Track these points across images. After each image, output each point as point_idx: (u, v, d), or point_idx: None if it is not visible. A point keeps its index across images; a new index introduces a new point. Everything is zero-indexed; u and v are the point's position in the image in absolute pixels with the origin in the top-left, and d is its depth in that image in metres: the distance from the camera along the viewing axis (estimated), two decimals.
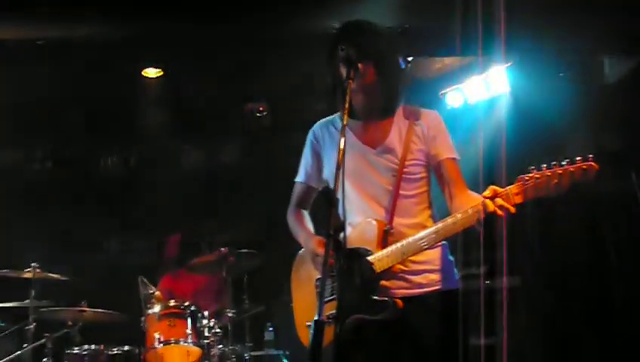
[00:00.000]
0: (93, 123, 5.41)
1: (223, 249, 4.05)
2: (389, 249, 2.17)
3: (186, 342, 3.89)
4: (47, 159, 5.66)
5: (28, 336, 4.00)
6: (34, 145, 5.69)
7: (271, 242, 4.48)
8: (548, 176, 1.91)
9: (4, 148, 5.62)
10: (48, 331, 4.04)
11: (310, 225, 2.47)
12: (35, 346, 3.98)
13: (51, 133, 5.56)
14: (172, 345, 3.88)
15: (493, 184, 2.05)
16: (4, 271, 4.06)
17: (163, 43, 4.67)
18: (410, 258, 2.19)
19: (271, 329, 4.91)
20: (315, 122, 2.51)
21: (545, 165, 1.94)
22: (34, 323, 4.02)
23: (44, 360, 3.95)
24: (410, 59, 4.55)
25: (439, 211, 2.30)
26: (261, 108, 5.27)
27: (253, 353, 4.35)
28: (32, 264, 4.06)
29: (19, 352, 4.04)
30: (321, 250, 2.11)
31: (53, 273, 4.15)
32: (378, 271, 2.17)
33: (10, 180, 5.59)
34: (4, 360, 4.05)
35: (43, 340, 4.00)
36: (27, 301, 4.04)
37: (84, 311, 4.04)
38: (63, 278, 4.20)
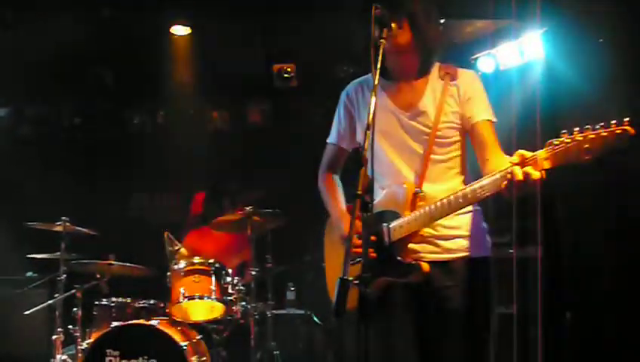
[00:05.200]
0: (122, 80, 5.43)
1: (247, 208, 4.08)
2: (417, 213, 2.14)
3: (209, 298, 3.95)
4: (76, 115, 5.71)
5: (59, 287, 4.09)
6: (63, 102, 5.74)
7: (295, 203, 4.50)
8: (579, 140, 1.80)
9: (35, 104, 5.70)
10: (78, 282, 4.13)
11: (342, 197, 2.43)
12: (65, 296, 4.07)
13: (80, 90, 5.60)
14: (196, 300, 3.96)
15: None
16: (36, 223, 4.16)
17: (192, 2, 4.62)
18: (441, 223, 2.16)
19: (292, 288, 4.98)
20: (342, 83, 2.44)
21: (577, 129, 1.83)
22: (64, 275, 4.10)
23: (74, 309, 4.03)
24: (442, 21, 4.43)
25: (476, 177, 2.17)
26: (289, 69, 5.21)
27: (275, 311, 4.42)
28: (63, 218, 4.14)
29: (50, 302, 4.15)
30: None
31: (82, 227, 4.25)
32: (395, 238, 2.15)
33: (41, 136, 5.68)
34: (37, 308, 4.18)
35: (73, 291, 4.10)
36: (58, 253, 4.12)
37: (112, 264, 4.11)
38: (92, 232, 4.28)
